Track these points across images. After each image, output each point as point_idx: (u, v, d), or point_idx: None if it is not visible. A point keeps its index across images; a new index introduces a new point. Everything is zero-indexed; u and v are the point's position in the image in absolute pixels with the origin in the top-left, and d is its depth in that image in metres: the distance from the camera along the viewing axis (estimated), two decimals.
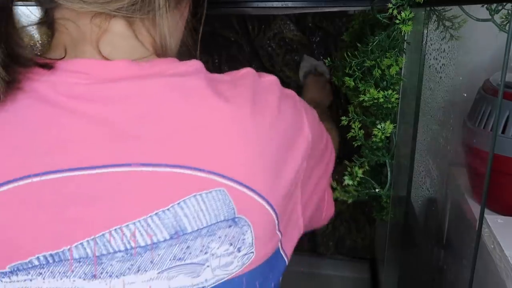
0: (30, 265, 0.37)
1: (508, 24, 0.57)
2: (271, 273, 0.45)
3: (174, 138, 0.38)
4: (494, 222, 0.68)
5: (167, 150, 0.38)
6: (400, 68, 0.69)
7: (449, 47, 0.75)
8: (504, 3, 0.58)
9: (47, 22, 0.43)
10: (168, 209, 0.38)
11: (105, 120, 0.38)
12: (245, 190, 0.40)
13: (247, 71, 0.45)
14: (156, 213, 0.38)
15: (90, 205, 0.37)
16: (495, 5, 0.59)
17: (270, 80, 0.46)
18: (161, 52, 0.44)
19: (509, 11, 0.58)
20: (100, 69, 0.39)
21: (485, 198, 0.65)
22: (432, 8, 0.68)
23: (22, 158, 0.36)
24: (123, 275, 0.38)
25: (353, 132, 0.75)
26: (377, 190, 0.78)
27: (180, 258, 0.39)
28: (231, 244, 0.41)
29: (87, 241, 0.37)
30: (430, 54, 0.74)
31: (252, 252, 0.42)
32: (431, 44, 0.73)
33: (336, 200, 0.70)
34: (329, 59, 0.83)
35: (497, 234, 0.65)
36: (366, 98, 0.70)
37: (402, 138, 0.75)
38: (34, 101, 0.38)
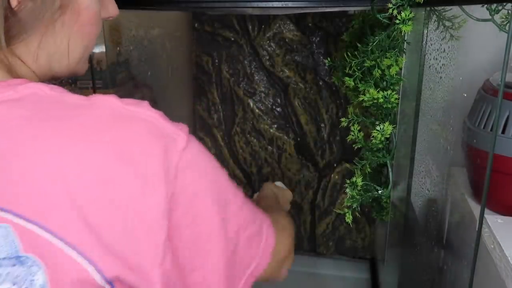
0: None
1: (508, 24, 0.56)
2: None
3: None
4: (494, 222, 0.68)
5: None
6: (400, 68, 0.69)
7: (449, 47, 0.74)
8: (504, 3, 0.58)
9: None
10: None
11: None
12: (33, 227, 0.37)
13: (96, 100, 0.41)
14: None
15: None
16: (495, 5, 0.59)
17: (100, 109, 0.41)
18: (16, 75, 0.43)
19: (509, 11, 0.58)
20: None
21: (485, 198, 0.65)
22: (432, 8, 0.68)
23: None
24: None
25: (352, 135, 0.75)
26: (380, 191, 0.77)
27: None
28: (14, 284, 0.38)
29: None
30: (430, 54, 0.74)
31: None
32: (431, 44, 0.73)
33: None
34: (329, 59, 0.83)
35: (497, 234, 0.65)
36: (366, 98, 0.70)
37: (402, 138, 0.75)
38: None
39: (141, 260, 0.40)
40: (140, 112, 0.41)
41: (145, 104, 0.42)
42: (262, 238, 0.50)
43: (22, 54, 0.43)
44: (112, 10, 0.50)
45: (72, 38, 0.46)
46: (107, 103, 0.41)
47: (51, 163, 0.37)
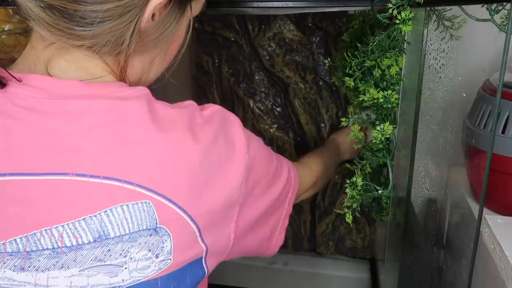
0: None
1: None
2: (187, 278, 0.49)
3: (109, 154, 0.43)
4: (494, 222, 0.68)
5: (101, 164, 0.43)
6: (400, 68, 0.69)
7: (448, 47, 0.74)
8: (504, 3, 0.58)
9: (26, 30, 0.48)
10: (95, 216, 0.43)
11: (51, 132, 0.43)
12: (168, 203, 0.45)
13: (189, 103, 0.52)
14: (83, 218, 0.43)
15: (27, 206, 0.42)
16: (495, 5, 0.59)
17: (211, 111, 0.52)
18: (121, 80, 0.50)
19: (509, 11, 0.58)
20: (53, 86, 0.45)
21: (483, 198, 0.65)
22: (432, 8, 0.68)
23: None
24: (48, 270, 0.43)
25: (353, 135, 0.75)
26: (380, 191, 0.77)
27: (100, 259, 0.44)
28: (149, 250, 0.45)
29: (20, 238, 0.43)
30: (430, 54, 0.74)
31: (170, 259, 0.46)
32: (431, 44, 0.73)
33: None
34: (329, 59, 0.83)
35: (497, 234, 0.65)
36: (366, 98, 0.70)
37: (402, 138, 0.75)
38: None
39: (226, 225, 0.51)
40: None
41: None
42: (291, 174, 0.63)
43: (127, 67, 0.49)
44: (185, 41, 0.58)
45: (162, 58, 0.54)
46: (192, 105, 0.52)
47: (173, 151, 0.45)
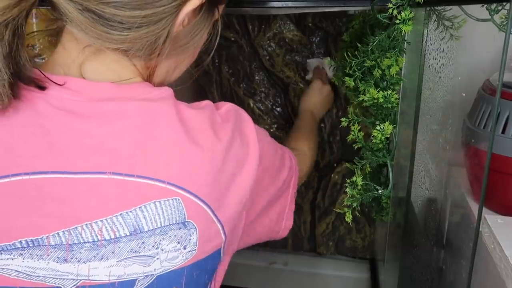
0: (13, 247, 0.45)
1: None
2: (207, 267, 0.53)
3: (141, 154, 0.47)
4: (494, 222, 0.68)
5: (135, 164, 0.46)
6: (400, 68, 0.69)
7: (448, 47, 0.75)
8: (504, 3, 0.58)
9: (56, 31, 0.50)
10: (130, 211, 0.46)
11: (88, 134, 0.46)
12: (195, 199, 0.48)
13: (207, 103, 0.55)
14: (120, 214, 0.46)
15: (67, 202, 0.45)
16: (494, 5, 0.59)
17: (226, 109, 0.56)
18: (147, 81, 0.52)
19: (509, 11, 0.58)
20: (89, 89, 0.48)
21: (483, 198, 0.65)
22: (432, 8, 0.68)
23: (14, 158, 0.44)
24: (89, 261, 0.47)
25: (352, 135, 0.75)
26: (380, 191, 0.77)
27: (135, 251, 0.48)
28: (178, 243, 0.49)
29: (63, 231, 0.45)
30: (429, 54, 0.74)
31: (195, 249, 0.50)
32: (431, 44, 0.73)
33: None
34: (329, 59, 0.83)
35: (497, 234, 0.65)
36: (366, 98, 0.70)
37: (402, 138, 0.75)
38: (29, 111, 0.46)
39: (241, 216, 0.54)
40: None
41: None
42: (293, 164, 0.67)
43: (157, 69, 0.52)
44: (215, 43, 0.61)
45: (187, 61, 0.58)
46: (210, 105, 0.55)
47: (199, 150, 0.48)
